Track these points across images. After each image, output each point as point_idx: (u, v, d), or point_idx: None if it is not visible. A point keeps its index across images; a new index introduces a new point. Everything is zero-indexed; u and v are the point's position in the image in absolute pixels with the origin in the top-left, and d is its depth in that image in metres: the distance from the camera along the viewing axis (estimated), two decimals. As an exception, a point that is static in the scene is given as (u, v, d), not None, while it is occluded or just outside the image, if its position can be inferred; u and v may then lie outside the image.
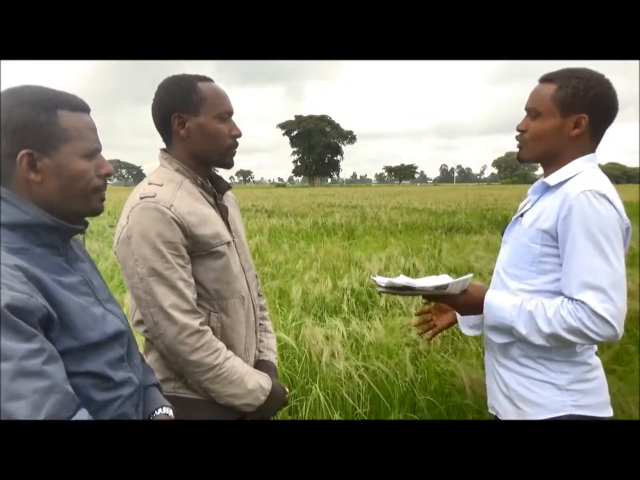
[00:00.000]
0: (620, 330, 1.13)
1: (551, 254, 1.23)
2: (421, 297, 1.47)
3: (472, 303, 1.31)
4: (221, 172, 1.46)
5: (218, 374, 1.21)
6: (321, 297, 4.01)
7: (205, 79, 1.28)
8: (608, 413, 1.28)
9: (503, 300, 1.26)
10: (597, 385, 1.28)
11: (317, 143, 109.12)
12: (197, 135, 1.26)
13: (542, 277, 1.25)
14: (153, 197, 1.18)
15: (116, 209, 13.26)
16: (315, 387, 2.50)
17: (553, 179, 1.26)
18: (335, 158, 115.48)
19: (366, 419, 2.43)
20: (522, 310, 1.21)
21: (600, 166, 1.28)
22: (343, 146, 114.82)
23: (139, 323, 1.24)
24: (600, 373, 1.30)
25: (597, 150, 1.29)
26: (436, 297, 1.34)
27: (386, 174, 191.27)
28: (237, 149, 1.34)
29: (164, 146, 1.33)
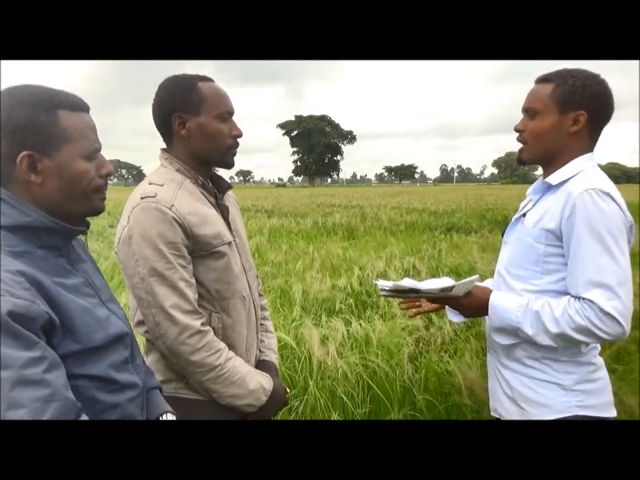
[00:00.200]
0: (628, 327, 1.13)
1: (555, 253, 1.23)
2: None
3: (477, 305, 1.31)
4: (221, 172, 1.46)
5: (219, 374, 1.21)
6: (320, 296, 4.01)
7: (206, 79, 1.28)
8: (612, 413, 1.28)
9: (508, 301, 1.26)
10: (601, 385, 1.28)
11: (317, 142, 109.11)
12: (197, 134, 1.26)
13: (546, 276, 1.25)
14: (154, 197, 1.18)
15: (116, 209, 13.26)
16: (315, 387, 2.50)
17: (554, 178, 1.27)
18: (335, 158, 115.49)
19: (365, 419, 2.44)
20: (528, 310, 1.21)
21: (600, 166, 1.28)
22: (343, 146, 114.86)
23: (140, 323, 1.24)
24: (604, 373, 1.30)
25: (596, 150, 1.30)
26: (440, 298, 1.34)
27: (386, 174, 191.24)
28: (237, 149, 1.34)
29: (164, 146, 1.33)
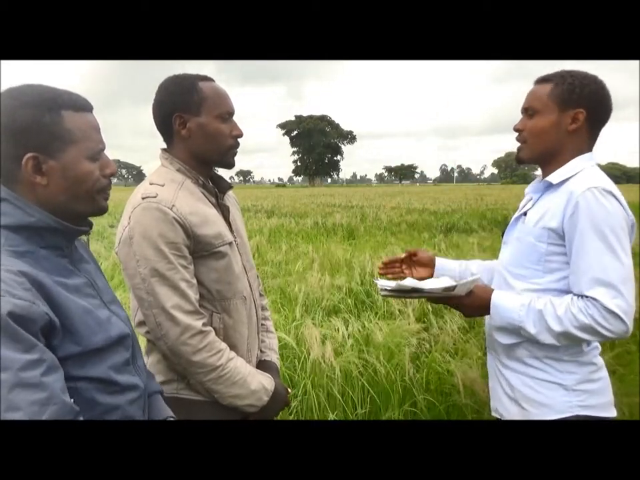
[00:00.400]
0: (631, 326, 1.13)
1: (557, 252, 1.23)
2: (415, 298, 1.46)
3: (478, 304, 1.31)
4: (221, 172, 1.46)
5: (221, 375, 1.21)
6: (320, 296, 4.01)
7: (206, 79, 1.28)
8: (612, 413, 1.29)
9: (510, 300, 1.26)
10: (602, 385, 1.28)
11: (317, 142, 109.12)
12: (198, 135, 1.26)
13: (548, 275, 1.25)
14: (155, 197, 1.17)
15: (116, 209, 13.25)
16: (315, 387, 2.50)
17: (555, 177, 1.27)
18: (335, 158, 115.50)
19: (365, 419, 2.43)
20: (531, 309, 1.21)
21: (600, 166, 1.29)
22: (342, 146, 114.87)
23: (141, 324, 1.24)
24: (605, 373, 1.30)
25: (596, 150, 1.30)
26: (442, 298, 1.34)
27: (386, 174, 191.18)
28: (237, 149, 1.34)
29: (164, 146, 1.33)
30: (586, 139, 1.28)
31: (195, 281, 1.22)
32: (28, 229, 0.84)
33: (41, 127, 0.83)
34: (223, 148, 1.29)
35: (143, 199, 1.18)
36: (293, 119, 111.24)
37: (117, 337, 0.92)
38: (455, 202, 19.32)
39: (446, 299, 1.33)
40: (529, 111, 1.30)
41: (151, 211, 1.16)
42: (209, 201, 1.31)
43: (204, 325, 1.21)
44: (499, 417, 1.40)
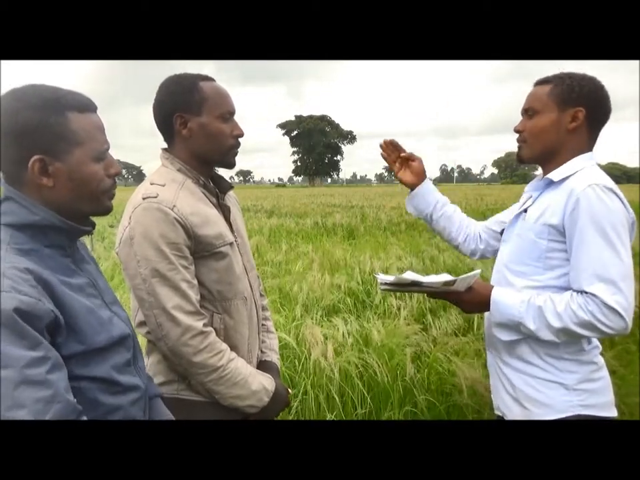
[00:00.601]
0: (630, 322, 1.14)
1: (558, 249, 1.23)
2: (414, 294, 1.46)
3: (478, 301, 1.31)
4: (221, 172, 1.46)
5: (222, 375, 1.21)
6: (320, 296, 4.01)
7: (207, 78, 1.28)
8: (613, 412, 1.29)
9: (510, 296, 1.26)
10: (603, 385, 1.28)
11: (317, 142, 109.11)
12: (199, 135, 1.26)
13: (548, 272, 1.26)
14: (156, 197, 1.17)
15: (116, 208, 13.17)
16: (315, 387, 2.50)
17: (555, 174, 1.28)
18: (335, 158, 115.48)
19: (365, 419, 2.43)
20: (530, 305, 1.22)
21: (600, 166, 1.29)
22: (342, 146, 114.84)
23: (142, 324, 1.24)
24: (605, 372, 1.31)
25: (596, 151, 1.31)
26: (441, 293, 1.34)
27: (386, 174, 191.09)
28: (238, 149, 1.34)
29: (164, 145, 1.32)
30: (586, 139, 1.29)
31: (195, 282, 1.22)
32: (32, 227, 0.84)
33: (46, 129, 0.83)
34: (224, 148, 1.29)
35: (144, 199, 1.17)
36: (293, 119, 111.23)
37: (119, 337, 0.92)
38: (455, 202, 19.17)
39: (445, 294, 1.33)
40: (529, 111, 1.31)
41: (151, 211, 1.16)
42: (210, 201, 1.30)
43: (205, 325, 1.20)
44: (501, 415, 1.40)
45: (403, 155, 1.61)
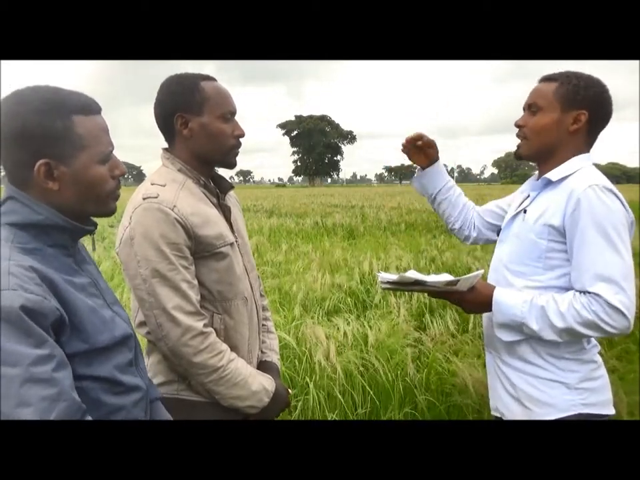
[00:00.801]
0: (632, 321, 1.15)
1: (558, 249, 1.24)
2: (414, 294, 1.46)
3: (480, 301, 1.31)
4: (221, 172, 1.46)
5: (222, 376, 1.20)
6: (320, 296, 4.01)
7: (208, 78, 1.27)
8: (611, 410, 1.29)
9: (513, 296, 1.26)
10: (602, 383, 1.29)
11: (317, 142, 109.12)
12: (199, 135, 1.25)
13: (548, 272, 1.26)
14: (156, 197, 1.17)
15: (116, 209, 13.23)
16: (315, 387, 2.50)
17: (554, 174, 1.28)
18: (335, 158, 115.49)
19: (366, 419, 2.43)
20: (533, 306, 1.22)
21: (600, 166, 1.30)
22: (342, 146, 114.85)
23: (142, 324, 1.24)
24: (604, 371, 1.31)
25: (596, 150, 1.32)
26: (443, 293, 1.34)
27: (386, 174, 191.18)
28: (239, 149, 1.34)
29: (164, 145, 1.32)
30: (585, 141, 1.30)
31: (196, 282, 1.22)
32: (35, 226, 0.84)
33: (52, 133, 0.82)
34: (225, 148, 1.29)
35: (144, 199, 1.17)
36: (293, 119, 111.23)
37: (121, 337, 0.92)
38: (455, 202, 19.20)
39: (447, 293, 1.33)
40: (532, 107, 1.31)
41: (152, 212, 1.15)
42: (210, 202, 1.30)
43: (205, 326, 1.20)
44: (499, 416, 1.40)
45: (419, 143, 1.61)
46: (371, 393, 2.52)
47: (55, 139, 0.83)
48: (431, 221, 11.44)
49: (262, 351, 1.45)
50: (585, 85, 1.25)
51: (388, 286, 1.34)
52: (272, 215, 14.14)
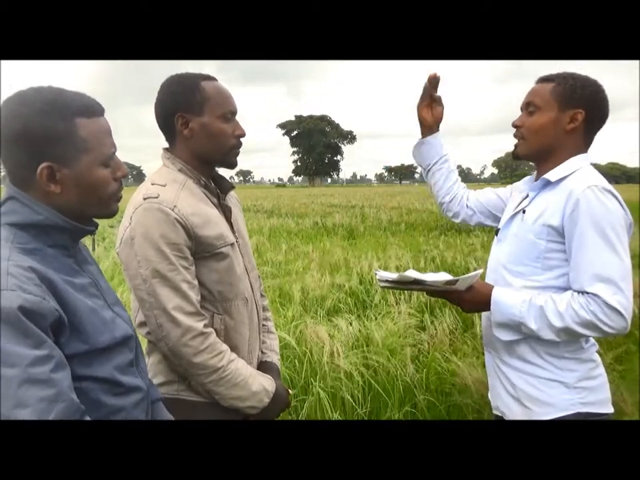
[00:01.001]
0: (630, 322, 1.15)
1: (556, 249, 1.24)
2: (413, 293, 1.46)
3: (479, 300, 1.31)
4: (221, 172, 1.46)
5: (222, 376, 1.20)
6: (320, 296, 4.01)
7: (209, 78, 1.27)
8: (610, 409, 1.30)
9: (511, 296, 1.27)
10: (600, 382, 1.29)
11: (317, 142, 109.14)
12: (200, 135, 1.25)
13: (547, 272, 1.26)
14: (157, 197, 1.17)
15: (116, 209, 13.22)
16: (315, 387, 2.50)
17: (552, 175, 1.29)
18: (335, 158, 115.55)
19: (366, 418, 2.43)
20: (532, 305, 1.22)
21: (600, 166, 1.31)
22: (342, 146, 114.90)
23: (142, 324, 1.24)
24: (602, 370, 1.32)
25: (597, 150, 1.32)
26: (442, 292, 1.34)
27: (386, 174, 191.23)
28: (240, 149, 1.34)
29: (164, 145, 1.32)
30: (582, 140, 1.31)
31: (196, 282, 1.21)
32: (36, 227, 0.84)
33: (55, 136, 0.82)
34: (226, 148, 1.29)
35: (145, 199, 1.17)
36: (293, 119, 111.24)
37: (122, 338, 0.92)
38: (455, 202, 19.21)
39: (446, 293, 1.33)
40: (529, 106, 1.32)
41: (152, 212, 1.15)
42: (211, 202, 1.30)
43: (205, 326, 1.20)
44: (500, 415, 1.40)
45: (435, 95, 1.62)
46: (371, 392, 2.52)
47: (57, 141, 0.83)
48: (430, 220, 11.45)
49: (262, 351, 1.45)
50: (582, 84, 1.26)
51: (386, 284, 1.34)
52: (272, 214, 14.15)
